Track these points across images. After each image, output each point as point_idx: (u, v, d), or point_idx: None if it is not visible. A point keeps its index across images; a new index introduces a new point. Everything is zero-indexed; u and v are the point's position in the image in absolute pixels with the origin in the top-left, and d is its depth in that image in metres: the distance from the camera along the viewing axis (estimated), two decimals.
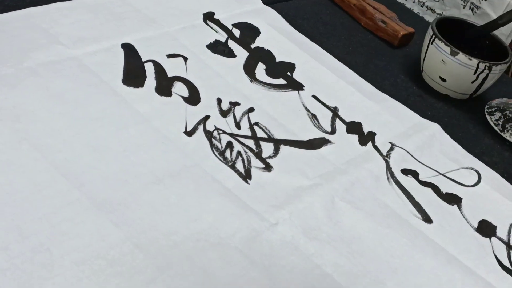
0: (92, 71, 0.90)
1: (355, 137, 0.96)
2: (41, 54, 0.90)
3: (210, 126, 0.88)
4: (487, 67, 1.04)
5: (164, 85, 0.93)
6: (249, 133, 0.89)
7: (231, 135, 0.88)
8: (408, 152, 0.95)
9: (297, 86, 1.02)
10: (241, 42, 1.09)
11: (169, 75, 0.95)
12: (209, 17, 1.12)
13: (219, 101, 0.94)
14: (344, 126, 0.97)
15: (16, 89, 0.83)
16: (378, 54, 1.20)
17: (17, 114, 0.79)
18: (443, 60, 1.07)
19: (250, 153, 0.86)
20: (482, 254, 0.83)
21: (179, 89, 0.93)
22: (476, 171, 0.96)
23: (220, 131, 0.88)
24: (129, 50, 0.97)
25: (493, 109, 1.10)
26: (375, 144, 0.95)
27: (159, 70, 0.96)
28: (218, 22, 1.11)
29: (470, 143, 1.03)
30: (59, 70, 0.88)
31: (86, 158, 0.77)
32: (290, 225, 0.78)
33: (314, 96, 1.01)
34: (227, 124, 0.90)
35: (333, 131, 0.95)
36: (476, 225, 0.87)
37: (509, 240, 0.86)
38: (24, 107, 0.80)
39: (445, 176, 0.93)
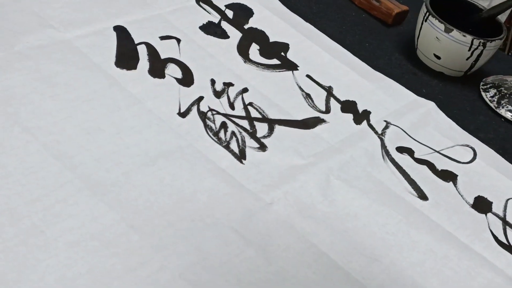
0: (83, 54, 0.90)
1: (350, 116, 0.95)
2: (32, 37, 0.89)
3: (204, 107, 0.88)
4: (481, 44, 1.03)
5: (157, 67, 0.92)
6: (243, 114, 0.89)
7: (225, 115, 0.88)
8: (403, 130, 0.95)
9: (291, 66, 1.02)
10: (234, 23, 1.08)
11: (162, 57, 0.95)
12: None
13: (212, 82, 0.93)
14: (339, 105, 0.97)
15: (7, 72, 0.82)
16: (372, 33, 1.19)
17: (8, 97, 0.79)
18: (437, 38, 1.06)
19: (244, 133, 0.85)
20: (477, 230, 0.83)
21: (173, 70, 0.93)
22: (471, 147, 0.96)
23: (214, 112, 0.87)
24: (121, 32, 0.96)
25: (488, 86, 1.10)
26: (370, 122, 0.95)
27: (152, 52, 0.95)
28: (210, 3, 1.10)
29: (465, 120, 1.02)
30: (50, 54, 0.88)
31: (78, 140, 0.76)
32: (285, 204, 0.77)
33: (308, 76, 1.01)
34: (221, 105, 0.89)
35: (327, 110, 0.95)
36: (471, 202, 0.87)
37: (505, 215, 0.86)
38: (15, 91, 0.80)
39: (440, 153, 0.93)
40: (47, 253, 0.64)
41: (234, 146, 0.83)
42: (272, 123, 0.89)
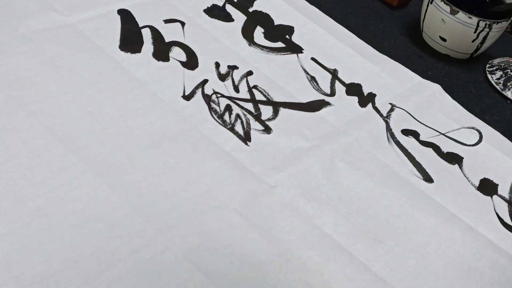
0: (87, 37, 0.89)
1: (354, 99, 0.95)
2: (35, 21, 0.89)
3: (208, 90, 0.88)
4: (487, 26, 1.03)
5: (162, 50, 0.92)
6: (248, 96, 0.89)
7: (230, 98, 0.87)
8: (408, 113, 0.95)
9: (296, 49, 1.02)
10: (239, 6, 1.07)
11: (167, 40, 0.95)
12: None
13: (217, 65, 0.93)
14: (344, 88, 0.96)
15: (11, 56, 0.82)
16: (377, 15, 1.18)
17: (12, 81, 0.79)
18: (443, 20, 1.05)
19: (249, 116, 0.85)
20: (483, 212, 0.82)
21: (177, 54, 0.93)
22: (477, 130, 0.96)
23: (219, 95, 0.87)
24: (125, 16, 0.96)
25: (494, 68, 1.09)
26: (375, 105, 0.94)
27: (156, 35, 0.95)
28: None
29: (471, 102, 1.02)
30: (53, 37, 0.88)
31: (82, 123, 0.76)
32: (289, 187, 0.77)
33: (313, 59, 1.00)
34: (226, 88, 0.89)
35: (332, 93, 0.95)
36: (477, 184, 0.87)
37: (510, 197, 0.86)
38: (19, 74, 0.80)
39: (445, 135, 0.93)
40: (51, 236, 0.64)
41: (239, 128, 0.83)
42: (276, 106, 0.89)
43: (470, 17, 1.02)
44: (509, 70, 1.08)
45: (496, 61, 1.12)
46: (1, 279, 0.59)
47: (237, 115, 0.85)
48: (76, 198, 0.68)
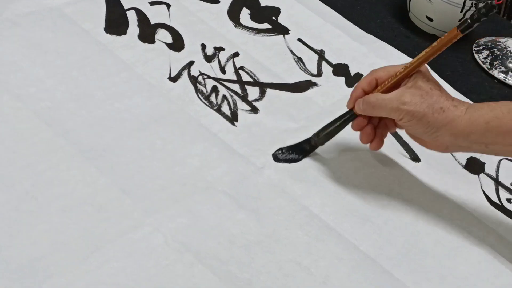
0: (72, 20, 0.89)
1: (342, 79, 0.95)
2: (20, 5, 0.89)
3: (194, 71, 0.88)
4: (473, 5, 1.03)
5: (147, 32, 0.92)
6: (234, 77, 0.89)
7: (216, 79, 0.87)
8: None
9: (282, 30, 1.01)
10: None
11: (152, 22, 0.94)
12: None
13: (203, 46, 0.93)
14: (331, 69, 0.96)
15: None
16: None
17: None
18: (429, 0, 1.06)
19: (235, 97, 0.85)
20: (470, 191, 0.83)
21: (163, 36, 0.92)
22: None
23: (205, 76, 0.87)
24: None
25: (481, 47, 1.10)
26: None
27: (142, 17, 0.94)
28: None
29: (458, 81, 1.02)
30: (39, 21, 0.87)
31: (69, 106, 0.76)
32: (277, 168, 0.78)
33: (299, 40, 1.00)
34: (212, 69, 0.89)
35: (319, 74, 0.95)
36: (464, 163, 0.87)
37: (497, 176, 0.86)
38: (5, 58, 0.80)
39: None
40: (39, 219, 0.64)
41: (225, 109, 0.83)
42: (263, 87, 0.89)
43: None
44: (495, 50, 1.08)
45: (482, 40, 1.12)
46: None
47: (224, 96, 0.85)
48: (64, 181, 0.68)
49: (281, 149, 0.80)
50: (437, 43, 0.71)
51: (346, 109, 0.78)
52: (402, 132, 0.87)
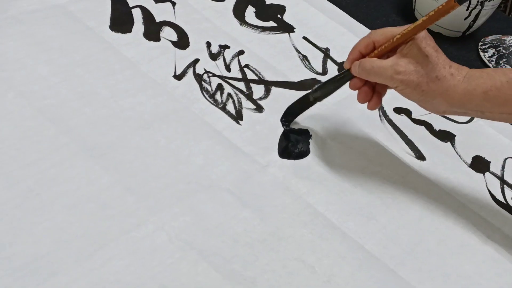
0: (77, 18, 0.89)
1: None
2: (24, 2, 0.89)
3: (199, 69, 0.87)
4: (479, 3, 1.02)
5: (152, 30, 0.92)
6: (239, 76, 0.88)
7: (221, 77, 0.87)
8: None
9: (288, 28, 1.01)
10: None
11: (157, 20, 0.94)
12: None
13: (208, 44, 0.92)
14: (336, 67, 0.96)
15: (0, 37, 0.82)
16: None
17: (2, 62, 0.78)
18: None
19: (240, 95, 0.85)
20: (475, 189, 0.83)
21: (168, 33, 0.92)
22: None
23: (210, 74, 0.87)
24: None
25: (487, 46, 1.09)
26: None
27: (147, 15, 0.94)
28: None
29: None
30: (43, 18, 0.87)
31: (73, 104, 0.76)
32: (281, 166, 0.77)
33: (305, 38, 1.00)
34: (217, 67, 0.89)
35: (324, 72, 0.94)
36: (469, 161, 0.87)
37: (502, 174, 0.86)
38: (9, 56, 0.80)
39: None
40: (43, 216, 0.64)
41: (230, 107, 0.83)
42: (268, 85, 0.88)
43: None
44: (501, 48, 1.08)
45: (488, 39, 1.11)
46: None
47: (229, 94, 0.85)
48: (68, 178, 0.68)
49: (285, 116, 0.83)
50: (435, 12, 0.70)
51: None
52: (407, 131, 0.87)
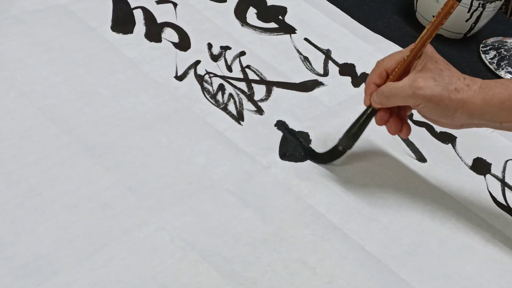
0: (78, 18, 0.89)
1: (348, 79, 0.95)
2: (26, 2, 0.89)
3: (201, 70, 0.87)
4: (481, 5, 1.02)
5: (154, 31, 0.92)
6: (241, 76, 0.88)
7: (223, 77, 0.87)
8: None
9: (289, 30, 1.01)
10: None
11: (159, 21, 0.94)
12: None
13: (209, 45, 0.92)
14: (337, 68, 0.96)
15: (2, 37, 0.82)
16: None
17: (4, 62, 0.78)
18: None
19: (242, 96, 0.85)
20: (476, 191, 0.83)
21: (169, 34, 0.92)
22: None
23: (212, 75, 0.87)
24: None
25: (488, 48, 1.09)
26: None
27: (148, 16, 0.94)
28: None
29: None
30: (45, 18, 0.87)
31: (74, 104, 0.76)
32: (283, 167, 0.77)
33: (306, 39, 1.00)
34: (219, 68, 0.89)
35: (325, 73, 0.94)
36: (470, 163, 0.87)
37: (503, 176, 0.86)
38: (11, 55, 0.80)
39: None
40: (44, 216, 0.64)
41: (232, 108, 0.83)
42: (270, 85, 0.88)
43: None
44: (502, 50, 1.08)
45: (489, 40, 1.12)
46: None
47: (230, 95, 0.85)
48: (69, 178, 0.68)
49: (312, 158, 0.80)
50: (436, 17, 0.69)
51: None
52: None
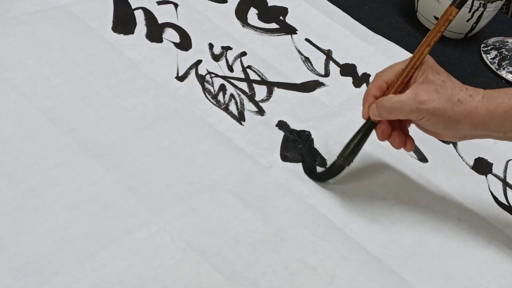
0: (79, 18, 0.89)
1: (349, 79, 0.95)
2: (27, 2, 0.89)
3: (202, 70, 0.87)
4: (481, 5, 1.02)
5: (155, 31, 0.92)
6: (242, 76, 0.88)
7: (224, 77, 0.87)
8: None
9: (290, 30, 1.01)
10: None
11: (160, 21, 0.94)
12: None
13: (210, 46, 0.92)
14: (338, 69, 0.96)
15: (3, 38, 0.82)
16: None
17: (5, 63, 0.78)
18: None
19: (243, 96, 0.85)
20: (477, 191, 0.82)
21: (170, 35, 0.92)
22: None
23: (213, 75, 0.87)
24: None
25: (489, 48, 1.09)
26: None
27: (149, 16, 0.94)
28: None
29: (466, 82, 0.99)
30: (46, 19, 0.87)
31: (75, 105, 0.76)
32: (283, 167, 0.77)
33: (307, 40, 1.00)
34: (220, 68, 0.89)
35: (326, 74, 0.94)
36: (471, 163, 0.87)
37: (505, 176, 0.86)
38: (12, 56, 0.80)
39: None
40: (44, 216, 0.64)
41: (233, 108, 0.83)
42: (271, 86, 0.88)
43: None
44: (503, 50, 1.08)
45: (491, 40, 1.11)
46: None
47: (231, 95, 0.85)
48: (70, 179, 0.68)
49: (312, 176, 0.78)
50: (436, 25, 0.68)
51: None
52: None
